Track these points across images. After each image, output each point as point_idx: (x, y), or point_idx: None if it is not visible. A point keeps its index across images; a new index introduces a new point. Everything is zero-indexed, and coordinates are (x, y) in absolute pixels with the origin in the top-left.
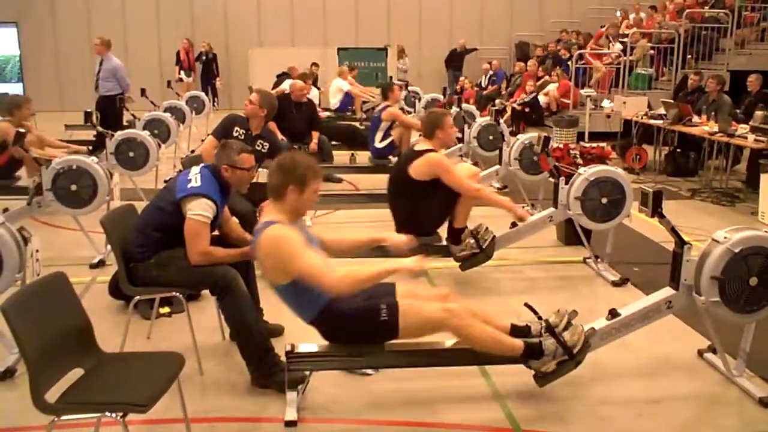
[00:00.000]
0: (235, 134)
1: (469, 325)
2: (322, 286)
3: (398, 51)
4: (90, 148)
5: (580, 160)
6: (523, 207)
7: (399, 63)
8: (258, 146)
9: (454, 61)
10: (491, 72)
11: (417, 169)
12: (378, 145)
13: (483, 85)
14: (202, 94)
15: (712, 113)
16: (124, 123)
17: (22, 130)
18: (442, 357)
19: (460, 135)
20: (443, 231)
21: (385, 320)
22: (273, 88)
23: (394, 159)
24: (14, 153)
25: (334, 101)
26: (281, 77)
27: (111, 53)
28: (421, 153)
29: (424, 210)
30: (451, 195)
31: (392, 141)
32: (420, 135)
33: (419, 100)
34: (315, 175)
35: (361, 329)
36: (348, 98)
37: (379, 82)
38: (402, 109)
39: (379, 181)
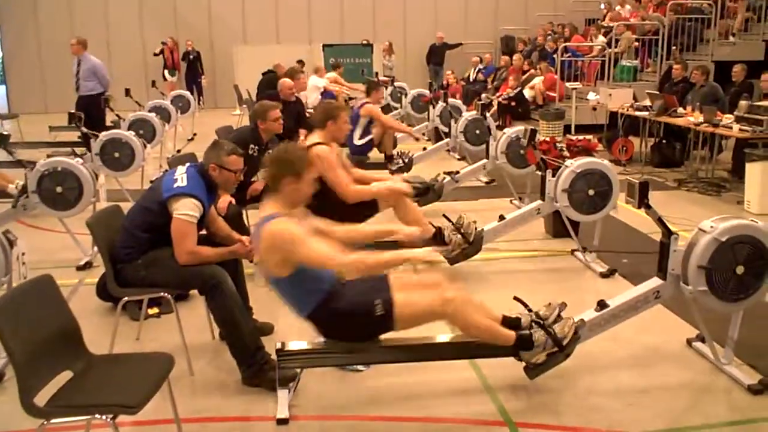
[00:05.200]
0: (250, 152)
1: (465, 312)
2: (331, 268)
3: (386, 48)
4: (72, 150)
5: (566, 153)
6: (402, 179)
7: (385, 60)
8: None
9: (435, 55)
10: (480, 66)
11: None
12: (357, 142)
13: (472, 79)
14: (188, 93)
15: (698, 103)
16: (109, 123)
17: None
18: (432, 351)
19: (446, 130)
20: None
21: (380, 315)
22: (258, 86)
23: (373, 156)
24: None
25: (311, 99)
26: (267, 75)
27: (88, 53)
28: (310, 147)
29: (324, 208)
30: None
31: (371, 139)
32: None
33: (405, 95)
34: (309, 164)
35: (357, 325)
36: (327, 96)
37: (364, 78)
38: (388, 105)
39: None
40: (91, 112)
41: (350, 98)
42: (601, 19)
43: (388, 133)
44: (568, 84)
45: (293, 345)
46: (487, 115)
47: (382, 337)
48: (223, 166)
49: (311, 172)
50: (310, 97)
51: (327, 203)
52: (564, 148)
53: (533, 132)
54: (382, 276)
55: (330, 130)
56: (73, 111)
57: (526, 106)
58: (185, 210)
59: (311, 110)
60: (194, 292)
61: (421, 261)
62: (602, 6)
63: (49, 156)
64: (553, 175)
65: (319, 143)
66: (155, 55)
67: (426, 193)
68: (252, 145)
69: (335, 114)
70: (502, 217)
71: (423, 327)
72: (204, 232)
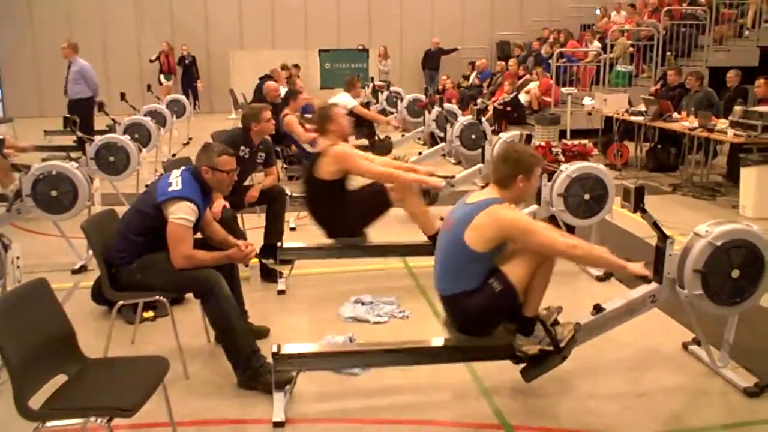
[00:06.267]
0: (241, 154)
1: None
2: (561, 253)
3: (382, 53)
4: (68, 154)
5: (562, 158)
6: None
7: (381, 65)
8: (259, 159)
9: (430, 60)
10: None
11: (324, 169)
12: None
13: (471, 81)
14: (183, 97)
15: (692, 109)
16: (104, 127)
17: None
18: (429, 355)
19: (442, 134)
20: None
21: (501, 290)
22: (255, 91)
23: None
24: None
25: None
26: (263, 79)
27: (80, 56)
28: (323, 151)
29: (343, 210)
30: (365, 191)
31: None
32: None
33: (401, 100)
34: (538, 162)
35: (488, 311)
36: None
37: (361, 83)
38: (384, 110)
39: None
40: (79, 116)
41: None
42: (595, 25)
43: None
44: (563, 89)
45: (289, 348)
46: (483, 119)
47: (379, 339)
48: (216, 167)
49: (539, 169)
50: None
51: (338, 202)
52: (559, 153)
53: (529, 137)
54: None
55: (332, 131)
56: (68, 115)
57: (522, 111)
58: (181, 214)
59: None
60: (189, 295)
61: (632, 274)
62: (597, 11)
63: (44, 160)
64: (549, 180)
65: (330, 144)
66: (151, 61)
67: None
68: (242, 147)
69: (329, 114)
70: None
71: (419, 331)
72: (199, 235)
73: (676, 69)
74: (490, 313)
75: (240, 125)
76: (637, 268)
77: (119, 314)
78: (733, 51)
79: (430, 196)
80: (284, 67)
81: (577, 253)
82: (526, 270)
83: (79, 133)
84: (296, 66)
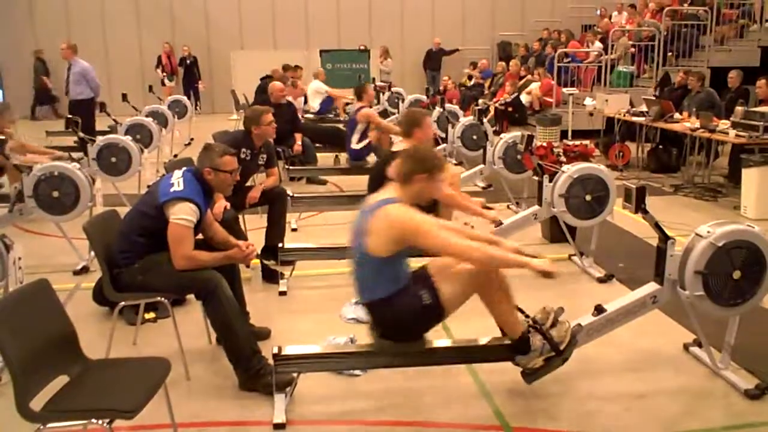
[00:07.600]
0: (243, 156)
1: (498, 281)
2: (455, 254)
3: (383, 53)
4: (69, 155)
5: (563, 158)
6: (492, 210)
7: (382, 65)
8: (260, 160)
9: (431, 61)
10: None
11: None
12: (355, 146)
13: (473, 82)
14: (184, 98)
15: (694, 109)
16: (106, 128)
17: (2, 137)
18: (429, 356)
19: (443, 135)
20: None
21: (429, 304)
22: (256, 91)
23: (371, 160)
24: None
25: (315, 103)
26: (264, 80)
27: (80, 57)
28: (399, 153)
29: None
30: None
31: (369, 142)
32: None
33: (402, 101)
34: (442, 168)
35: (411, 320)
36: (329, 100)
37: (362, 83)
38: (385, 110)
39: (364, 183)
40: (80, 117)
41: (348, 104)
42: (596, 25)
43: (384, 135)
44: (564, 89)
45: (290, 349)
46: (484, 120)
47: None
48: (218, 168)
49: (442, 175)
50: (313, 102)
51: None
52: (561, 154)
53: (530, 137)
54: (422, 266)
55: (417, 137)
56: (69, 116)
57: (523, 112)
58: (182, 214)
59: (311, 115)
60: (191, 296)
61: (539, 271)
62: (598, 12)
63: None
64: (550, 181)
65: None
66: (156, 69)
67: None
68: (244, 149)
69: (420, 121)
70: (499, 223)
71: None
72: (201, 236)
73: (684, 70)
74: (412, 322)
75: (242, 127)
76: (543, 264)
77: (120, 315)
78: (735, 51)
79: None
80: (286, 68)
81: (474, 255)
82: (460, 288)
83: (81, 134)
84: (298, 67)
